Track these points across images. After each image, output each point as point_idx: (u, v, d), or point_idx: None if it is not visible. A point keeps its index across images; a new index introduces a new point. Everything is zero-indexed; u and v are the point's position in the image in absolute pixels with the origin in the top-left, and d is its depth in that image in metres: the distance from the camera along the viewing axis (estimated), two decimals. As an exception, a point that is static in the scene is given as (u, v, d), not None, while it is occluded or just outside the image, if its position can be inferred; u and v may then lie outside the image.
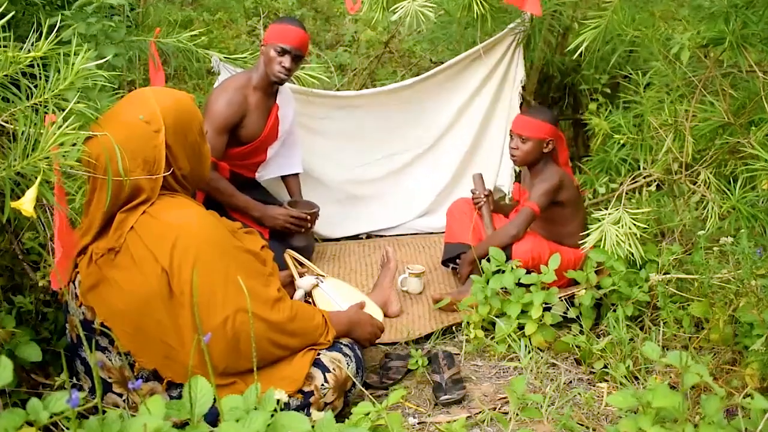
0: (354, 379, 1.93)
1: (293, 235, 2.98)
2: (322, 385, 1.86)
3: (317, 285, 2.31)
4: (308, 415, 1.81)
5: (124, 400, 1.76)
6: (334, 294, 2.29)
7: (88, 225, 1.73)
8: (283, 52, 2.77)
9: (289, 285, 2.37)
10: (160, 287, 1.67)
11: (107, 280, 1.70)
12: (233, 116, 2.79)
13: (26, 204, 1.35)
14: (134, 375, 1.74)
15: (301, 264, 2.52)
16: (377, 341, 2.40)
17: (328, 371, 1.88)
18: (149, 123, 1.70)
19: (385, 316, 2.67)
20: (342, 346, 1.97)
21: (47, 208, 1.92)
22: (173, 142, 1.74)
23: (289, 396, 1.81)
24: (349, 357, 1.96)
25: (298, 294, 2.29)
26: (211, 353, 1.70)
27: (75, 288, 1.74)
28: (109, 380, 1.76)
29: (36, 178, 1.40)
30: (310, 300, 2.29)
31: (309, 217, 2.98)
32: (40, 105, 1.52)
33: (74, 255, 1.72)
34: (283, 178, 3.23)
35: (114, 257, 1.69)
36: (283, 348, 1.84)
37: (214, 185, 2.77)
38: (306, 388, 1.84)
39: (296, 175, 3.24)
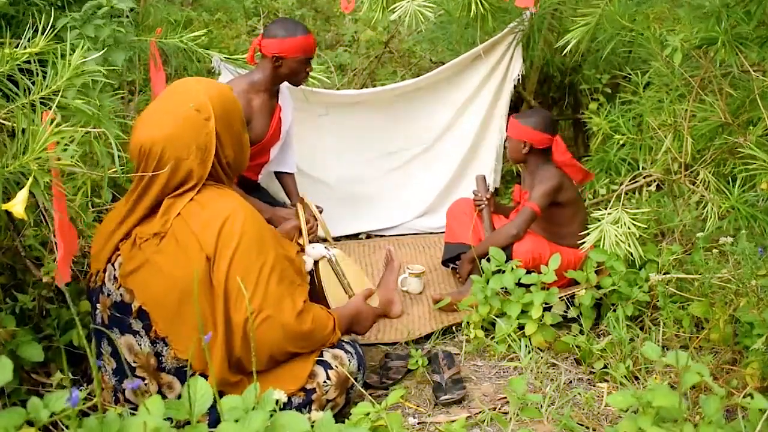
0: (355, 376, 1.94)
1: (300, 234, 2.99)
2: (325, 382, 1.86)
3: (326, 257, 2.25)
4: (310, 411, 1.82)
5: (145, 384, 1.78)
6: (341, 271, 2.25)
7: (130, 210, 1.76)
8: (307, 62, 2.84)
9: (298, 239, 2.37)
10: (203, 275, 1.69)
11: (150, 264, 1.72)
12: None
13: (17, 206, 1.35)
14: (160, 366, 1.75)
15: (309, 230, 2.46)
16: (377, 341, 2.40)
17: (330, 368, 1.89)
18: (200, 111, 1.75)
19: (387, 317, 2.67)
20: (344, 343, 1.98)
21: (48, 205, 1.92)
22: (221, 130, 1.78)
23: (291, 394, 1.81)
24: (351, 354, 1.96)
25: (307, 263, 2.21)
26: (232, 344, 1.73)
27: (114, 270, 1.76)
28: (134, 364, 1.77)
29: (28, 179, 1.40)
30: (314, 272, 2.22)
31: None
32: (36, 102, 1.52)
33: (75, 252, 1.73)
34: (280, 179, 3.24)
35: (159, 242, 1.72)
36: (293, 353, 1.85)
37: None
38: (308, 386, 1.85)
39: (292, 175, 3.24)
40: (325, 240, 2.41)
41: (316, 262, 2.22)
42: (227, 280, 1.70)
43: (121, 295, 1.75)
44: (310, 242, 2.38)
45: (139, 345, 1.75)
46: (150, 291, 1.72)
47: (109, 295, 1.77)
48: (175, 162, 1.70)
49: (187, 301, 1.70)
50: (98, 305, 1.81)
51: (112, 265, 1.77)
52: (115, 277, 1.76)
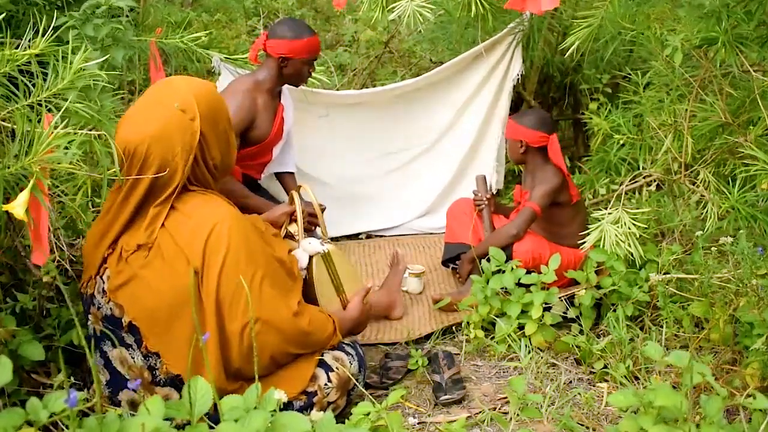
0: (356, 378, 1.94)
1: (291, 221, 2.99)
2: (326, 384, 1.86)
3: (320, 253, 2.21)
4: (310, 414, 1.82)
5: (142, 397, 1.76)
6: (334, 269, 2.23)
7: (114, 216, 1.73)
8: (311, 62, 2.88)
9: (291, 223, 2.35)
10: (193, 288, 1.66)
11: (138, 279, 1.69)
12: (245, 120, 2.80)
13: (18, 208, 1.35)
14: (154, 380, 1.74)
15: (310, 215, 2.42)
16: (377, 341, 2.39)
17: (331, 370, 1.89)
18: (185, 111, 1.70)
19: (388, 318, 2.67)
20: (344, 345, 1.98)
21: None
22: (207, 130, 1.74)
23: (293, 398, 1.81)
24: (352, 355, 1.96)
25: (302, 259, 2.16)
26: (228, 355, 1.72)
27: (103, 283, 1.74)
28: (128, 376, 1.75)
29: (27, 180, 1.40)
30: (306, 269, 2.18)
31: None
32: (38, 104, 1.52)
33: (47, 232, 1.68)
34: (280, 179, 3.24)
35: (147, 254, 1.69)
36: (294, 356, 1.85)
37: (228, 188, 2.76)
38: (309, 389, 1.84)
39: (292, 174, 3.24)
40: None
41: (310, 258, 2.18)
42: (218, 291, 1.68)
43: (111, 309, 1.73)
44: (306, 235, 2.34)
45: (133, 358, 1.74)
46: (139, 306, 1.69)
47: (99, 308, 1.75)
48: (161, 163, 1.67)
49: (178, 315, 1.67)
50: (90, 316, 1.79)
51: (101, 278, 1.74)
52: (103, 291, 1.74)
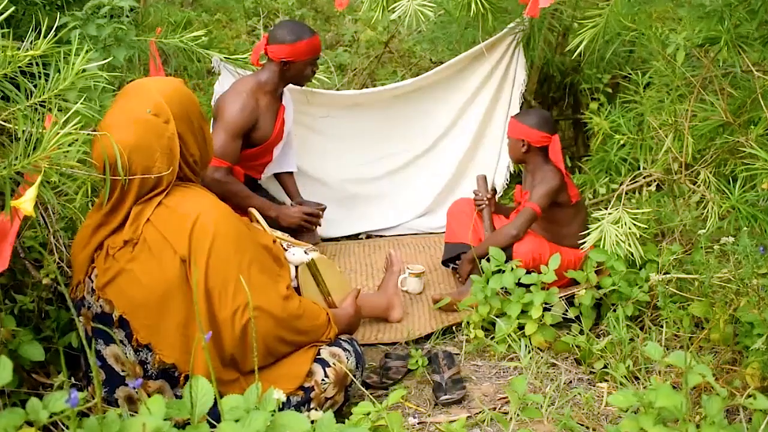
0: (354, 374, 1.94)
1: (301, 232, 3.01)
2: (323, 380, 1.86)
3: (305, 263, 2.19)
4: (309, 410, 1.82)
5: (136, 393, 1.77)
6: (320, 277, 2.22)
7: (101, 223, 1.74)
8: (314, 62, 2.90)
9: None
10: (180, 278, 1.68)
11: (126, 273, 1.70)
12: (248, 121, 2.82)
13: (26, 203, 1.35)
14: (146, 374, 1.74)
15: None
16: (377, 341, 2.38)
17: (328, 366, 1.89)
18: (158, 115, 1.71)
19: (387, 321, 2.67)
20: (341, 341, 1.98)
21: (48, 206, 1.93)
22: (183, 130, 1.75)
23: (290, 393, 1.81)
24: (349, 351, 1.97)
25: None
26: (221, 343, 1.72)
27: (91, 282, 1.75)
28: (123, 373, 1.76)
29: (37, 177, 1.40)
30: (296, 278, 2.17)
31: (321, 214, 3.02)
32: (40, 105, 1.52)
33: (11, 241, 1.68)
34: (280, 178, 3.24)
35: (132, 249, 1.70)
36: (289, 344, 1.85)
37: (230, 188, 2.78)
38: (306, 384, 1.84)
39: (291, 174, 3.25)
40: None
41: (296, 267, 2.19)
42: (207, 279, 1.69)
43: (101, 306, 1.74)
44: (289, 247, 2.33)
45: (126, 354, 1.74)
46: (128, 299, 1.70)
47: (89, 307, 1.76)
48: (144, 170, 1.68)
49: (167, 305, 1.68)
50: (81, 318, 1.80)
51: (89, 278, 1.76)
52: (92, 290, 1.75)
